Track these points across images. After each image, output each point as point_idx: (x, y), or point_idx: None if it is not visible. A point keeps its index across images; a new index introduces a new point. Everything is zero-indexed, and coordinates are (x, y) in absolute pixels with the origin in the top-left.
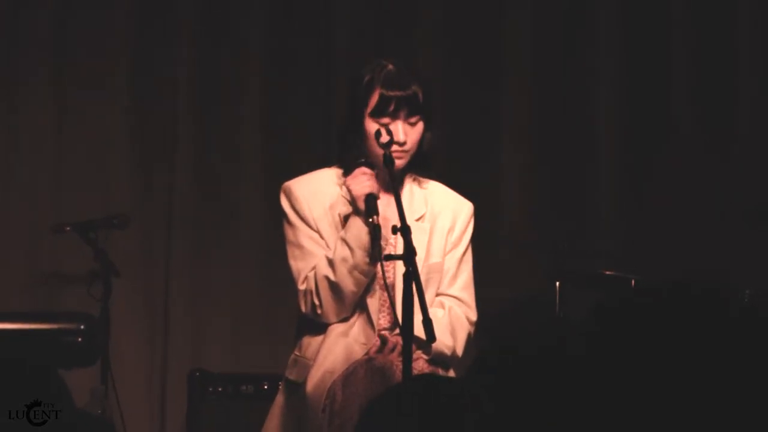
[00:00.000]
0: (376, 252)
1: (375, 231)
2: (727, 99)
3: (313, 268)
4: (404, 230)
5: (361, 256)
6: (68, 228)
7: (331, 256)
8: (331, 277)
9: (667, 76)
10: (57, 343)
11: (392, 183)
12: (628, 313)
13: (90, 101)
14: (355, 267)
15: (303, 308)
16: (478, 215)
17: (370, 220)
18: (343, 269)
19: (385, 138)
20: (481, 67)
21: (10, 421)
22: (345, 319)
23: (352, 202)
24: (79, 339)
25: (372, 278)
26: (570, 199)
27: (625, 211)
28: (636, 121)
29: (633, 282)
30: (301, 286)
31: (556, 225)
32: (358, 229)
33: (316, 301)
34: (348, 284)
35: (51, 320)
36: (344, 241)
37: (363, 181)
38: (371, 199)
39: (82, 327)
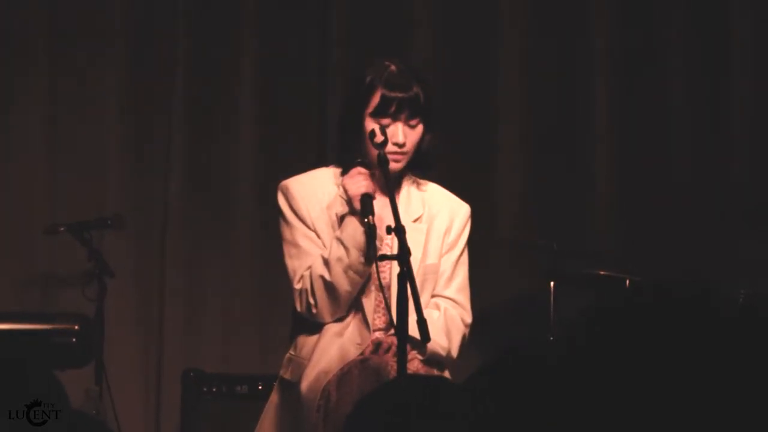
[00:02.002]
0: (371, 252)
1: (370, 231)
2: (725, 99)
3: (309, 267)
4: (398, 230)
5: (356, 256)
6: (63, 228)
7: (326, 255)
8: (327, 276)
9: (664, 76)
10: (51, 344)
11: (387, 183)
12: (623, 313)
13: (84, 102)
14: (349, 267)
15: (298, 307)
16: (474, 215)
17: (366, 220)
18: (338, 269)
19: (379, 138)
20: (478, 66)
21: (9, 421)
22: (340, 319)
23: (349, 201)
24: (74, 339)
25: (367, 278)
26: (565, 199)
27: (619, 212)
28: (633, 121)
29: (627, 282)
30: (297, 285)
31: (551, 225)
32: (353, 228)
33: (312, 301)
34: (343, 284)
35: (46, 321)
36: (339, 240)
37: (359, 180)
38: (367, 199)
39: (76, 327)
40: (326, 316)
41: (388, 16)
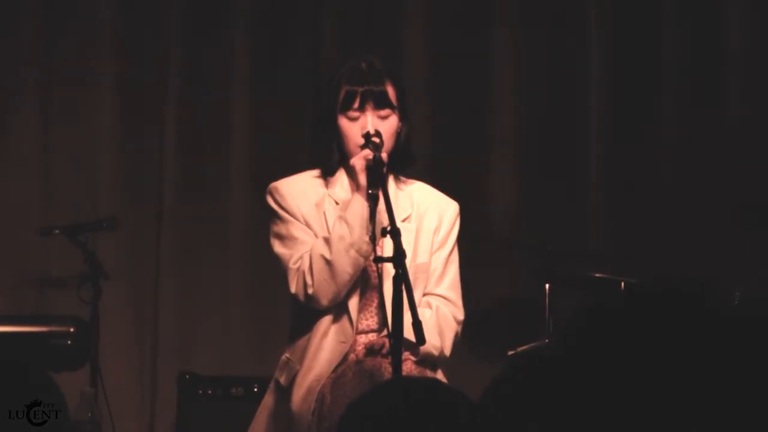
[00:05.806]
0: (373, 224)
1: (373, 201)
2: (717, 97)
3: (308, 251)
4: (394, 232)
5: (359, 234)
6: (57, 231)
7: (328, 235)
8: (327, 255)
9: (655, 74)
10: (47, 346)
11: (383, 185)
12: (619, 315)
13: (78, 103)
14: (352, 245)
15: (292, 288)
16: (467, 217)
17: (369, 191)
18: (339, 247)
19: (377, 140)
20: (469, 65)
21: (8, 422)
22: (326, 318)
23: (355, 177)
24: (69, 342)
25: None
26: (559, 200)
27: (614, 213)
28: (625, 121)
29: (622, 284)
30: (293, 266)
31: (545, 227)
32: (359, 206)
33: (309, 280)
34: (343, 263)
35: (40, 323)
36: (343, 218)
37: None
38: (374, 173)
39: (71, 330)
40: (322, 298)
41: (379, 12)
